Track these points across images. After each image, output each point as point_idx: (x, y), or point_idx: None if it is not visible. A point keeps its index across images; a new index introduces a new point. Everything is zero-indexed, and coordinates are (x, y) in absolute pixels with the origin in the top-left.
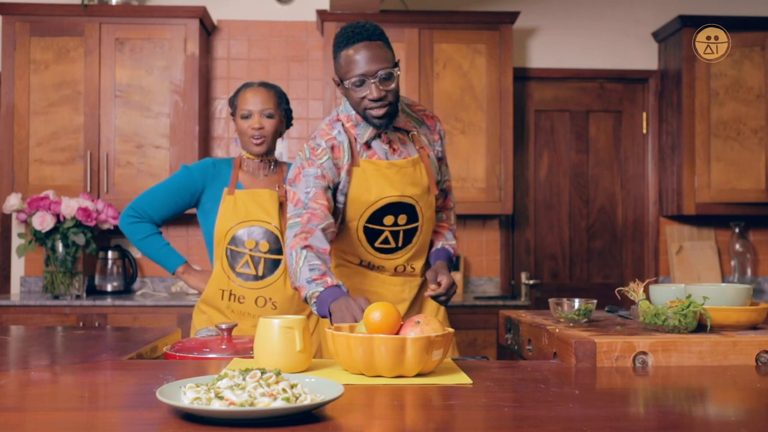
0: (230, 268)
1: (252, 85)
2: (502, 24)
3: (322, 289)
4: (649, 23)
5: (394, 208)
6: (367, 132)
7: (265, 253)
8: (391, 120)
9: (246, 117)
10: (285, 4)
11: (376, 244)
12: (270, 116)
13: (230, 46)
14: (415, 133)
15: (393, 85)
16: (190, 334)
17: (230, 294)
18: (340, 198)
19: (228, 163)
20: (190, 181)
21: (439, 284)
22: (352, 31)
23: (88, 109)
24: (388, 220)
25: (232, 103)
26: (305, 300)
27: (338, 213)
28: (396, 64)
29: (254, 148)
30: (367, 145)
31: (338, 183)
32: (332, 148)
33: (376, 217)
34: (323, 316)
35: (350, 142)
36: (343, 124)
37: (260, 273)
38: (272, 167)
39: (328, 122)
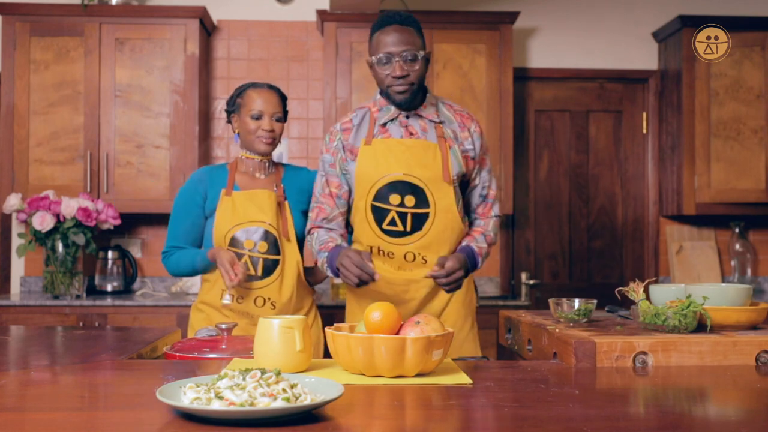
0: None
1: (260, 86)
2: (502, 24)
3: (326, 253)
4: (649, 23)
5: (401, 187)
6: (388, 114)
7: (264, 253)
8: (412, 100)
9: (257, 117)
10: (285, 4)
11: (384, 226)
12: (279, 120)
13: (230, 46)
14: (440, 124)
15: (417, 67)
16: (188, 334)
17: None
18: (351, 179)
19: (222, 168)
20: (192, 192)
21: (442, 266)
22: (388, 16)
23: (88, 109)
24: (395, 199)
25: (234, 101)
26: (324, 268)
27: (351, 194)
28: (423, 49)
29: (263, 147)
30: (384, 126)
31: (347, 164)
32: (344, 130)
33: (382, 195)
34: (336, 276)
35: (370, 125)
36: (369, 109)
37: (259, 273)
38: (270, 167)
39: (355, 109)
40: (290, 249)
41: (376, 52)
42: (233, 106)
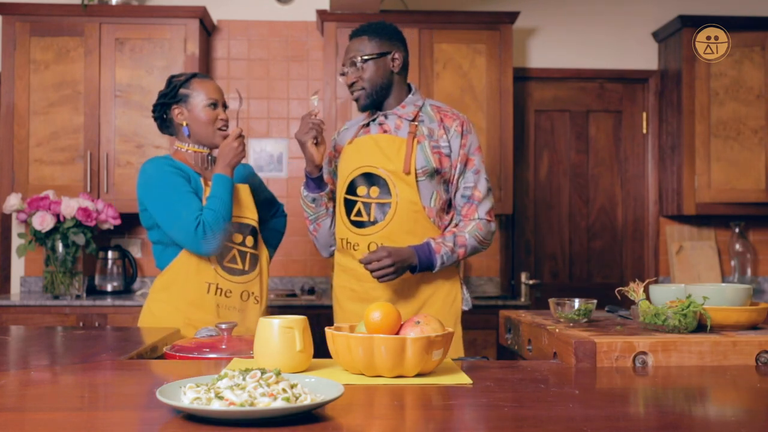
0: (217, 262)
1: (204, 75)
2: (502, 24)
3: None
4: (649, 23)
5: (367, 179)
6: (371, 116)
7: (250, 248)
8: (370, 103)
9: (214, 106)
10: (285, 4)
11: (352, 217)
12: (226, 107)
13: (230, 46)
14: (416, 123)
15: (363, 72)
16: (146, 325)
17: (217, 288)
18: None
19: (170, 159)
20: (178, 174)
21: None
22: (353, 30)
23: (88, 109)
24: (361, 190)
25: (176, 92)
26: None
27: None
28: (378, 55)
29: (219, 139)
30: (367, 127)
31: (336, 162)
32: (339, 132)
33: (352, 187)
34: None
35: (358, 128)
36: (365, 115)
37: (246, 267)
38: (212, 162)
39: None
40: (261, 244)
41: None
42: (175, 98)
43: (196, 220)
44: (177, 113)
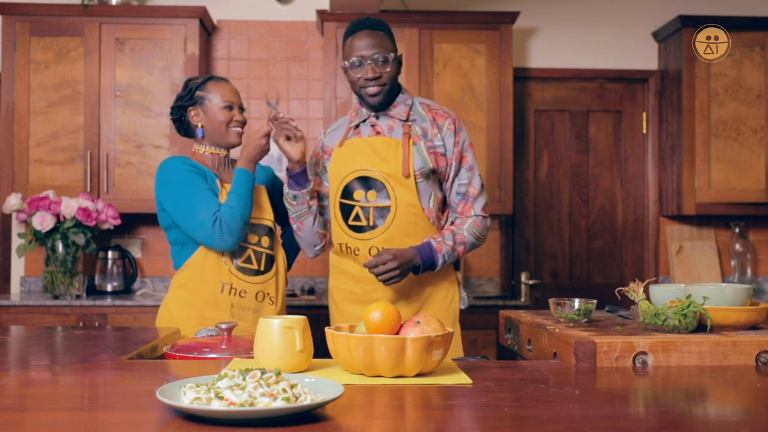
0: (232, 262)
1: (220, 78)
2: (502, 24)
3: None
4: (649, 23)
5: (363, 183)
6: (360, 116)
7: (266, 248)
8: (385, 101)
9: (230, 108)
10: (285, 4)
11: (349, 221)
12: (243, 110)
13: (230, 46)
14: (408, 122)
15: (388, 69)
16: (162, 322)
17: (231, 287)
18: (326, 179)
19: (186, 158)
20: (197, 173)
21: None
22: (359, 21)
23: (88, 109)
24: (358, 194)
25: (192, 95)
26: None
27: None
28: (394, 51)
29: (236, 138)
30: (357, 128)
31: (324, 163)
32: (326, 134)
33: (348, 192)
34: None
35: (346, 129)
36: (350, 116)
37: (261, 268)
38: (230, 163)
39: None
40: (279, 244)
41: (349, 57)
42: (191, 100)
43: (213, 215)
44: (193, 115)
